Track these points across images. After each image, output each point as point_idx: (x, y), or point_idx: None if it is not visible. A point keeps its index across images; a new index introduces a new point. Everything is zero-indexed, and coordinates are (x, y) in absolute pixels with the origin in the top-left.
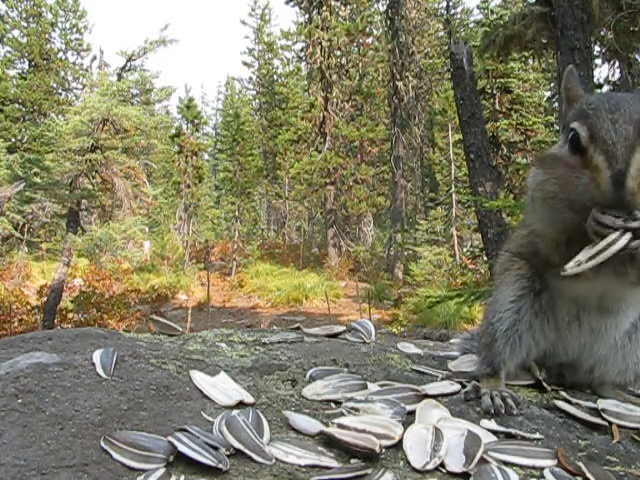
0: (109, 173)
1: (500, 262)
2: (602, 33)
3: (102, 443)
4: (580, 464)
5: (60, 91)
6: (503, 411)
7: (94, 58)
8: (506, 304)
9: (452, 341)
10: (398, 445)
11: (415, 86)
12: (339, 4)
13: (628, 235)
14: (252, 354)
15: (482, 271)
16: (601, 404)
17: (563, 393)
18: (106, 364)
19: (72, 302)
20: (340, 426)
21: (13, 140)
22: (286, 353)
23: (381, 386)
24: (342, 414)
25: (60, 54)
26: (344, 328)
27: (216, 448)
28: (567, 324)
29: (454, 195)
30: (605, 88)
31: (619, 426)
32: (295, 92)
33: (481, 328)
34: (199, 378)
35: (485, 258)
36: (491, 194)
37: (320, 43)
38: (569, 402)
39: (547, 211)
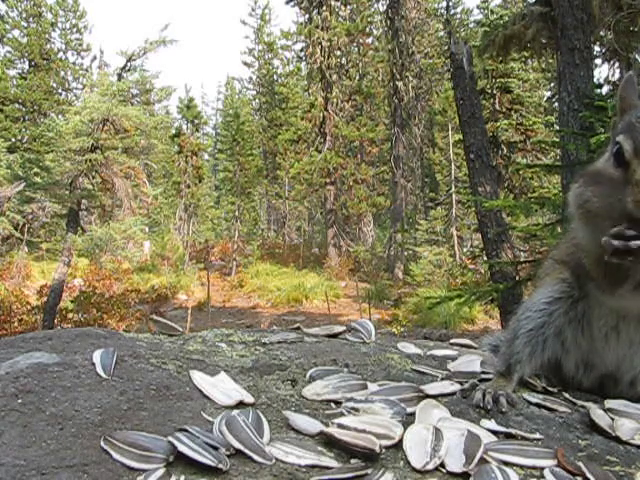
0: (109, 173)
1: (544, 267)
2: (602, 33)
3: (102, 443)
4: (580, 464)
5: (60, 91)
6: (490, 408)
7: (94, 58)
8: (539, 304)
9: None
10: (398, 445)
11: (415, 86)
12: (339, 4)
13: None
14: (252, 354)
15: (482, 271)
16: (608, 404)
17: (566, 394)
18: (106, 364)
19: (72, 302)
20: (340, 426)
21: (13, 140)
22: (286, 353)
23: (381, 386)
24: (342, 414)
25: (60, 54)
26: (344, 328)
27: (216, 448)
28: (604, 335)
29: (454, 195)
30: (605, 88)
31: None
32: (295, 92)
33: (510, 323)
34: (199, 378)
35: (485, 258)
36: (491, 194)
37: (320, 43)
38: (573, 403)
39: (590, 229)
